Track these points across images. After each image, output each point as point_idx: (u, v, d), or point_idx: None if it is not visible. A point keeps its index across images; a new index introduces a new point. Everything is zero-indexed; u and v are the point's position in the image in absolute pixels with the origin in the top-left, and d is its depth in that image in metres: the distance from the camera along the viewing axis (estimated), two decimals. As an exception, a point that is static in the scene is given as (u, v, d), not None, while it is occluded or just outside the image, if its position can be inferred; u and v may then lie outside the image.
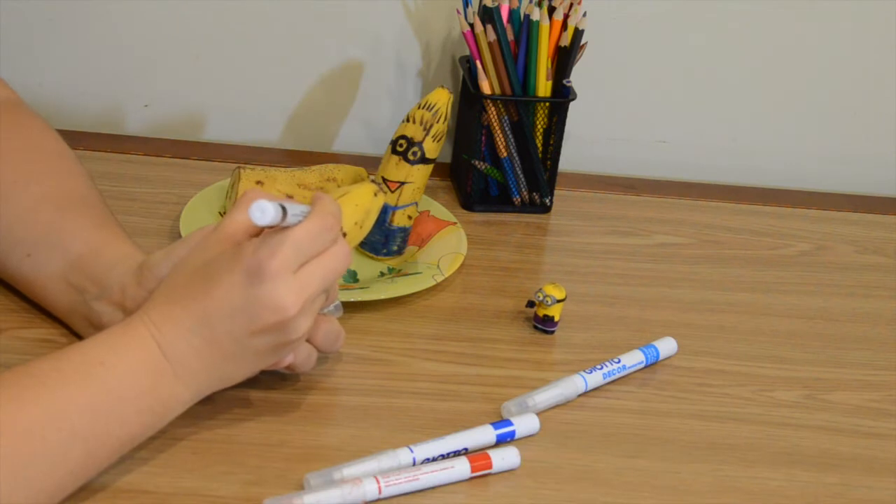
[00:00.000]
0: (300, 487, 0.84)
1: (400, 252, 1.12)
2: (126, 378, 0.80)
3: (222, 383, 0.85)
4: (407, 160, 1.09)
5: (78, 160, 1.01)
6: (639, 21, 1.30)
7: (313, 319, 0.85)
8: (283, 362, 0.88)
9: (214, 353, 0.83)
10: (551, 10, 1.17)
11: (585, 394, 0.97)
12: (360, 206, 1.01)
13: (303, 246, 0.82)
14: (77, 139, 1.24)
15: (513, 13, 1.18)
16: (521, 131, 1.21)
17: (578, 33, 1.17)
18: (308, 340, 0.90)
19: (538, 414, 0.93)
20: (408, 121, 1.10)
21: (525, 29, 1.18)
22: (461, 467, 0.87)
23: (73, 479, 0.79)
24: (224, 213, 1.11)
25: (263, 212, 0.78)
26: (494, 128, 1.20)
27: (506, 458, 0.88)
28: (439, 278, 1.07)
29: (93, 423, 0.78)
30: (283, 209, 0.79)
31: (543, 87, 1.19)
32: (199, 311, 0.82)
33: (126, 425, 0.80)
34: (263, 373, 0.93)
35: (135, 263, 0.91)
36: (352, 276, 1.09)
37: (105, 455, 0.80)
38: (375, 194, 1.02)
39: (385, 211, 1.10)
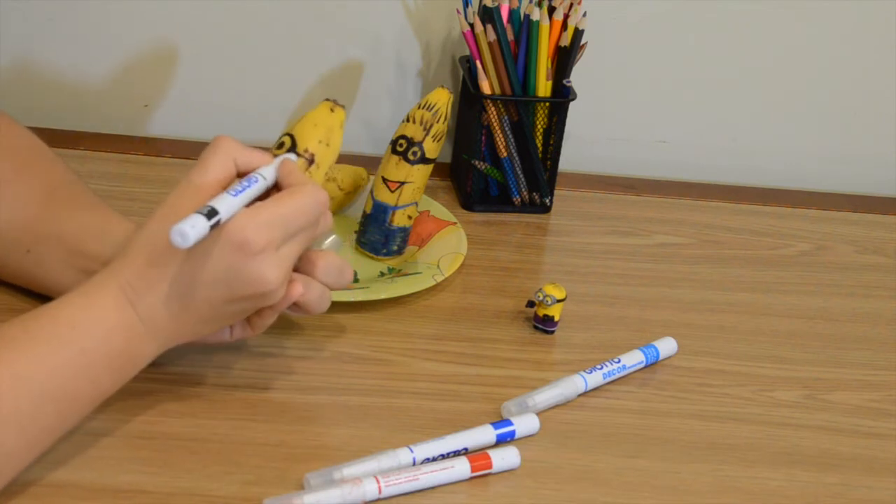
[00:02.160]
0: (300, 487, 0.84)
1: (400, 252, 1.12)
2: (98, 340, 0.81)
3: (192, 338, 0.87)
4: (407, 160, 1.09)
5: (50, 150, 1.01)
6: (639, 21, 1.30)
7: (288, 274, 0.85)
8: (290, 298, 0.87)
9: (191, 316, 0.84)
10: (551, 10, 1.17)
11: (585, 394, 0.97)
12: (318, 125, 0.94)
13: (290, 225, 0.83)
14: (77, 139, 1.24)
15: (513, 13, 1.18)
16: (521, 131, 1.21)
17: (578, 33, 1.17)
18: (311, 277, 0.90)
19: (538, 414, 0.93)
20: (408, 121, 1.10)
21: (525, 29, 1.18)
22: (461, 467, 0.87)
23: (45, 437, 0.80)
24: None
25: (184, 237, 0.78)
26: (494, 128, 1.20)
27: (506, 458, 0.88)
28: (439, 278, 1.07)
29: (63, 384, 0.79)
30: (211, 215, 0.80)
31: (543, 87, 1.19)
32: (180, 277, 0.82)
33: (96, 383, 0.81)
34: (263, 372, 0.94)
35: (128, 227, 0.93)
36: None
37: (76, 412, 0.81)
38: (332, 110, 0.95)
39: (385, 211, 1.10)
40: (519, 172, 1.22)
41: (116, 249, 0.91)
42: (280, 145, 0.91)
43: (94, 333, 0.81)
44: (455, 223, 1.15)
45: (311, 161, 0.91)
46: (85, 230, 0.94)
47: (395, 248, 1.11)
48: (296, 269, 0.88)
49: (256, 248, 0.82)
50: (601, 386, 0.98)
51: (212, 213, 0.80)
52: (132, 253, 0.84)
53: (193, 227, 0.79)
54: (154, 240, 0.83)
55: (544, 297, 1.03)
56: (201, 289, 0.83)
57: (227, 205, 0.82)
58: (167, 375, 0.92)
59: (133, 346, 0.83)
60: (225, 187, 0.85)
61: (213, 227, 0.80)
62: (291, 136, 0.91)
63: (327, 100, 0.93)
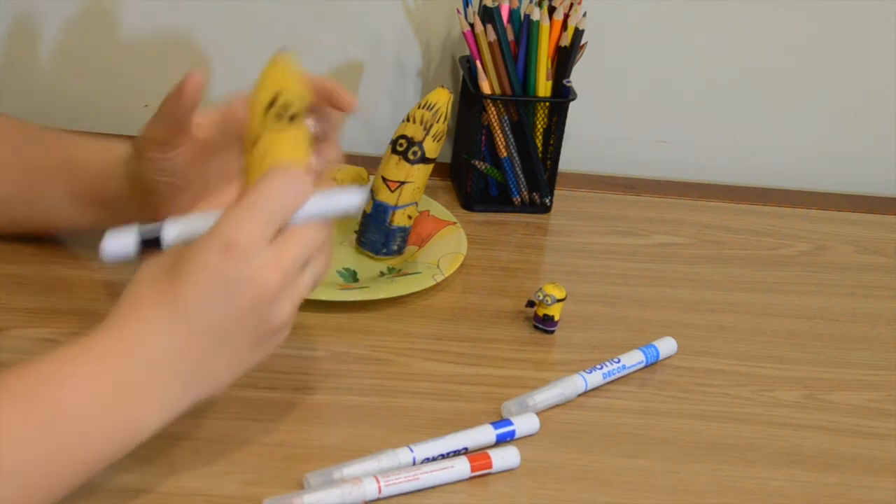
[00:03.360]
0: (300, 487, 0.84)
1: (400, 252, 1.12)
2: (84, 393, 0.74)
3: (199, 391, 0.78)
4: (407, 160, 1.09)
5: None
6: (639, 21, 1.30)
7: (296, 305, 0.78)
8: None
9: (191, 351, 0.76)
10: (551, 10, 1.17)
11: (585, 394, 0.97)
12: (268, 87, 0.81)
13: (270, 212, 0.76)
14: (77, 139, 1.24)
15: (513, 13, 1.18)
16: (521, 131, 1.21)
17: (578, 33, 1.17)
18: None
19: (538, 414, 0.93)
20: (408, 120, 1.10)
21: (525, 29, 1.18)
22: (461, 467, 0.87)
23: (34, 494, 0.73)
24: None
25: (104, 250, 0.76)
26: (494, 128, 1.20)
27: (506, 457, 0.88)
28: (439, 278, 1.07)
29: (47, 443, 0.73)
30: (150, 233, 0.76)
31: (543, 87, 1.19)
32: (171, 302, 0.75)
33: (86, 446, 0.74)
34: (263, 372, 0.93)
35: (128, 145, 0.94)
36: (352, 276, 1.09)
37: (66, 474, 0.74)
38: (273, 63, 0.83)
39: (385, 211, 1.10)
40: (519, 172, 1.22)
41: (119, 165, 0.93)
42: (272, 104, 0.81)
43: (77, 386, 0.74)
44: (455, 223, 1.15)
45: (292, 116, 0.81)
46: (85, 147, 0.95)
47: (395, 247, 1.11)
48: None
49: (243, 245, 0.75)
50: (601, 386, 0.98)
51: (151, 232, 0.75)
52: (121, 303, 0.77)
53: (115, 243, 0.76)
54: (138, 286, 0.77)
55: (544, 296, 1.03)
56: (197, 308, 0.75)
57: (171, 228, 0.76)
58: (167, 375, 0.92)
59: (125, 403, 0.75)
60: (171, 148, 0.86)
61: (147, 247, 0.76)
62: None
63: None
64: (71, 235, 1.04)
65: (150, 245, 0.77)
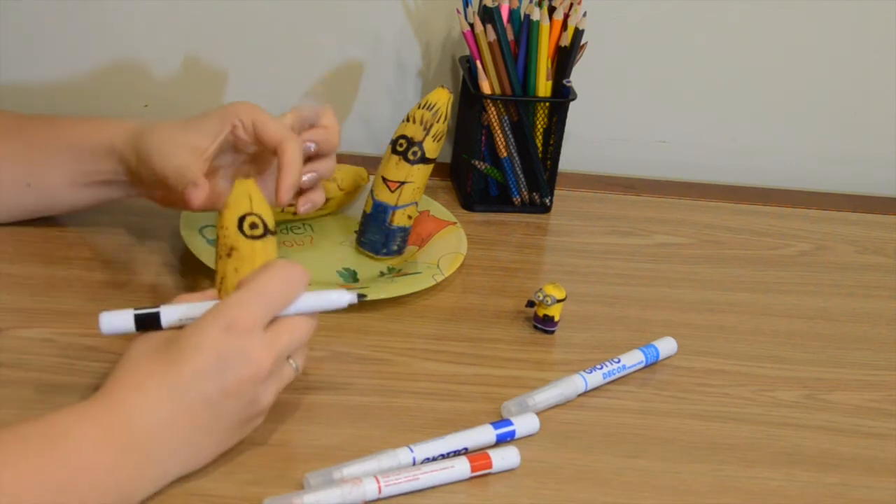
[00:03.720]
0: (300, 487, 0.84)
1: (400, 252, 1.12)
2: (87, 453, 0.77)
3: (187, 464, 0.82)
4: (407, 160, 1.09)
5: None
6: (639, 21, 1.30)
7: (277, 393, 0.84)
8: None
9: (185, 423, 0.80)
10: (551, 10, 1.17)
11: (585, 394, 0.97)
12: (236, 208, 0.89)
13: (271, 300, 0.82)
14: (77, 139, 1.24)
15: (513, 13, 1.18)
16: (521, 131, 1.21)
17: (578, 33, 1.17)
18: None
19: (538, 414, 0.93)
20: (408, 121, 1.10)
21: (525, 29, 1.18)
22: (461, 467, 0.87)
23: None
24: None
25: (107, 322, 0.81)
26: (494, 128, 1.20)
27: (506, 457, 0.88)
28: (439, 278, 1.07)
29: (48, 494, 0.74)
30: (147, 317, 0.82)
31: (543, 87, 1.19)
32: (171, 377, 0.80)
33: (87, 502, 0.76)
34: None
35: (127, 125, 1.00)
36: (352, 276, 1.09)
37: None
38: (240, 186, 0.90)
39: (385, 211, 1.10)
40: (519, 172, 1.22)
41: (121, 139, 0.97)
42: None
43: (83, 444, 0.77)
44: (455, 223, 1.15)
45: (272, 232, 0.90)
46: (86, 125, 0.99)
47: (395, 247, 1.11)
48: None
49: (244, 327, 0.80)
50: (601, 386, 0.98)
51: (148, 316, 0.82)
52: (118, 374, 0.81)
53: (113, 318, 0.81)
54: (136, 360, 0.82)
55: (544, 297, 1.03)
56: (195, 382, 0.80)
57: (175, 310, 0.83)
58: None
59: (126, 465, 0.78)
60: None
61: (143, 328, 0.82)
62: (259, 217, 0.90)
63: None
64: (71, 214, 1.07)
65: (148, 325, 0.83)
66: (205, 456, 0.83)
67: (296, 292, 0.84)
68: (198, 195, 0.93)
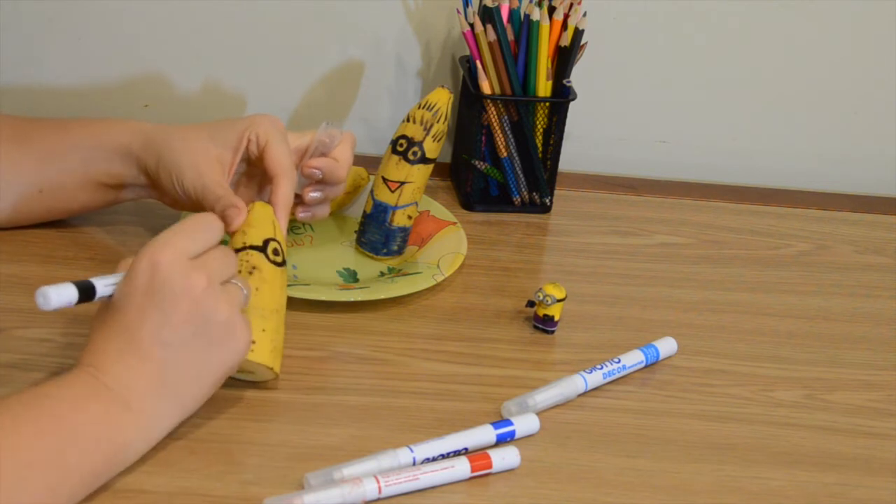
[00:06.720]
0: (300, 487, 0.84)
1: (400, 252, 1.12)
2: (74, 405, 0.79)
3: (175, 406, 0.83)
4: (407, 160, 1.09)
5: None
6: (639, 21, 1.30)
7: (234, 306, 0.84)
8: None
9: (152, 369, 0.81)
10: (551, 10, 1.17)
11: (585, 394, 0.97)
12: (260, 231, 0.93)
13: (187, 236, 0.83)
14: (77, 139, 1.24)
15: (513, 13, 1.18)
16: (521, 131, 1.21)
17: (578, 33, 1.17)
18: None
19: (538, 414, 0.93)
20: (408, 121, 1.10)
21: (525, 29, 1.18)
22: (461, 467, 0.87)
23: None
24: None
25: (46, 298, 0.80)
26: (494, 128, 1.20)
27: (506, 457, 0.88)
28: (439, 278, 1.07)
29: (48, 452, 0.76)
30: (86, 287, 0.82)
31: (543, 87, 1.19)
32: (123, 331, 0.81)
33: (83, 455, 0.78)
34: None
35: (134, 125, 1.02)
36: (352, 276, 1.09)
37: (67, 487, 0.77)
38: (259, 209, 0.94)
39: (385, 211, 1.10)
40: (519, 172, 1.22)
41: (137, 143, 0.99)
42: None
43: (68, 399, 0.79)
44: (455, 223, 1.15)
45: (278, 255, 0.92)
46: (97, 127, 1.00)
47: (395, 248, 1.11)
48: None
49: (167, 260, 0.81)
50: (601, 386, 0.98)
51: (87, 286, 0.82)
52: (89, 345, 0.83)
53: (58, 293, 0.81)
54: (97, 330, 0.84)
55: (544, 296, 1.03)
56: (140, 329, 0.81)
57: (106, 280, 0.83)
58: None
59: (112, 414, 0.80)
60: None
61: (84, 300, 0.82)
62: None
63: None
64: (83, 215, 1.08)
65: (86, 296, 0.83)
66: (192, 394, 0.84)
67: (213, 232, 0.85)
68: (240, 219, 0.93)
